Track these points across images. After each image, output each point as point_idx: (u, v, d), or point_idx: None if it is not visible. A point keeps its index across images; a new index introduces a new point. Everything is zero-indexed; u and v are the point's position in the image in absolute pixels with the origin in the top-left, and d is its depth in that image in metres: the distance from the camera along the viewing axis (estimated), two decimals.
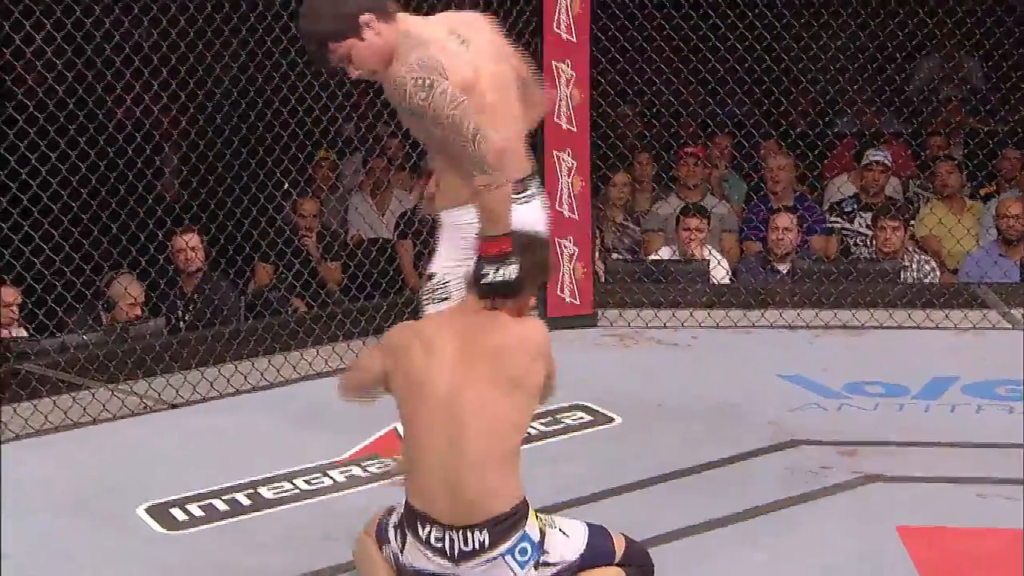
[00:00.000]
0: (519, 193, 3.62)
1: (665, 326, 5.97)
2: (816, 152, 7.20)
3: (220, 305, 6.28)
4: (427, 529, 3.13)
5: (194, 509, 4.17)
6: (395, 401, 3.33)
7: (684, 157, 7.48)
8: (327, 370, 5.40)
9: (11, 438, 4.78)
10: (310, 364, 5.46)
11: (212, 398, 5.21)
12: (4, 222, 5.12)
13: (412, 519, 3.16)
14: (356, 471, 4.38)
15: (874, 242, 6.93)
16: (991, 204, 7.34)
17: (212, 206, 5.90)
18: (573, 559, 3.19)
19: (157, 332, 5.88)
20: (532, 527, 3.16)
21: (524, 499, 3.18)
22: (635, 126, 7.80)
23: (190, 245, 6.30)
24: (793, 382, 5.19)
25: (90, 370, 5.33)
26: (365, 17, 3.50)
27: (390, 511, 3.29)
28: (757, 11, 6.43)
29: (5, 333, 5.57)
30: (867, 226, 7.17)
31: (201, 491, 4.28)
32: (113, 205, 5.63)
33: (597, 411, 4.89)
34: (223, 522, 4.09)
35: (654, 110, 7.06)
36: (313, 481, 4.34)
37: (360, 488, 4.27)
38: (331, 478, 4.36)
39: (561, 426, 4.77)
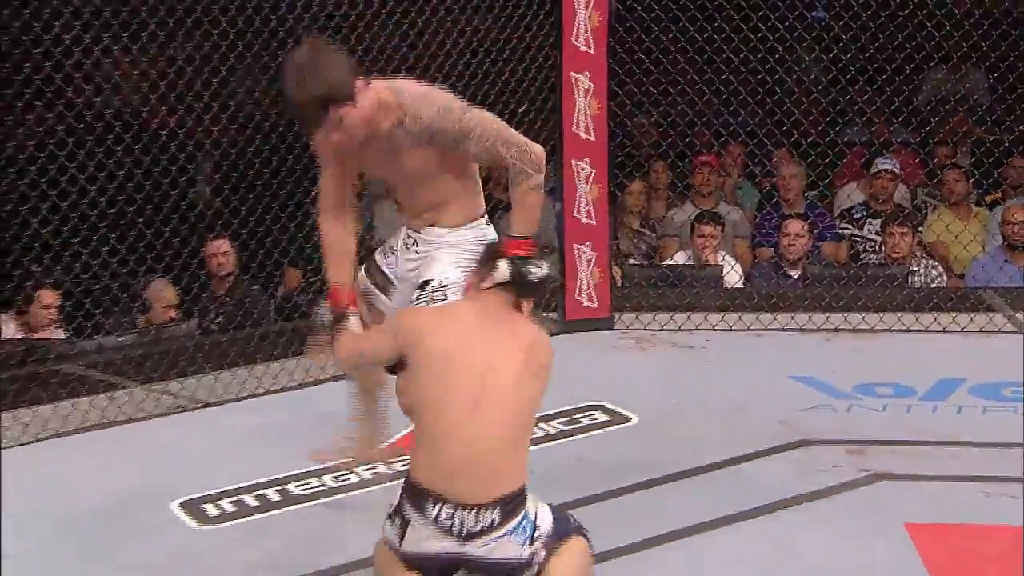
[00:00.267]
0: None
1: (680, 329, 6.00)
2: (827, 161, 7.15)
3: (251, 308, 6.33)
4: (436, 508, 3.06)
5: (226, 505, 4.22)
6: (398, 383, 3.37)
7: (698, 166, 7.44)
8: None
9: (51, 435, 4.85)
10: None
11: (243, 398, 5.26)
12: (44, 228, 5.27)
13: (419, 499, 3.08)
14: (381, 467, 4.36)
15: (883, 248, 6.94)
16: (997, 211, 7.33)
17: (243, 213, 5.96)
18: (550, 529, 3.17)
19: (190, 334, 5.94)
20: (530, 505, 3.16)
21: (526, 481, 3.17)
22: (651, 136, 7.74)
23: (222, 250, 6.39)
24: (804, 383, 5.22)
25: (126, 371, 5.42)
26: (359, 83, 3.39)
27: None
28: (770, 24, 6.45)
29: (45, 334, 5.66)
30: (876, 232, 7.16)
31: (232, 487, 4.33)
32: (148, 212, 5.72)
33: (614, 411, 4.93)
34: (253, 517, 4.15)
35: (669, 120, 6.93)
36: (340, 478, 4.37)
37: (387, 484, 4.21)
38: (357, 475, 4.37)
39: (580, 425, 4.81)
